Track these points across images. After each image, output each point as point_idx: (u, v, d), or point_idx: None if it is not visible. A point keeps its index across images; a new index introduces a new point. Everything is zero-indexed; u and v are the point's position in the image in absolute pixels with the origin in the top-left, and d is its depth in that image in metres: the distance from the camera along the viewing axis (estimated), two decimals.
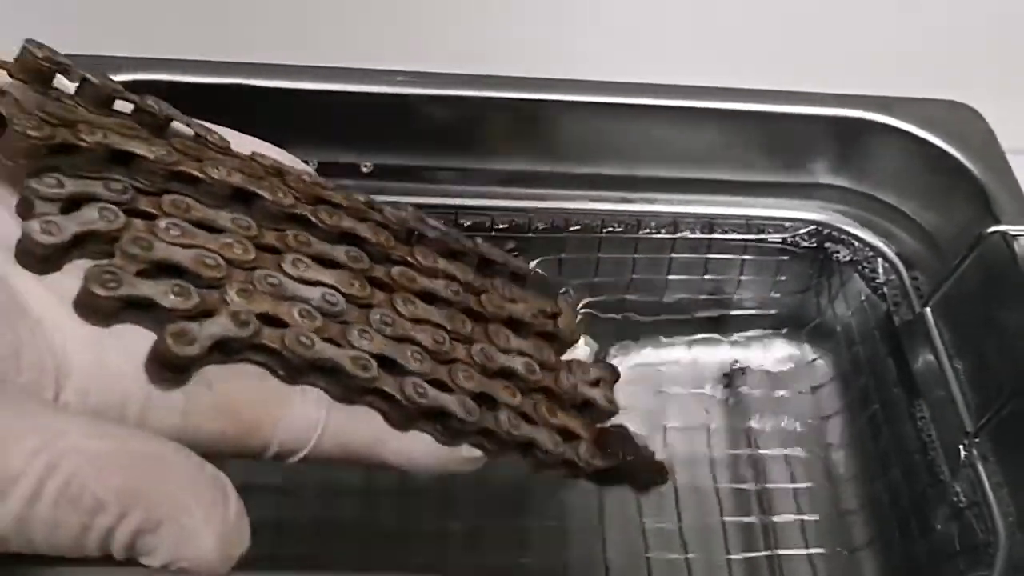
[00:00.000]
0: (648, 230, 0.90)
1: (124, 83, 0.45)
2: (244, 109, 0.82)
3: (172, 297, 0.38)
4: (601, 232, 0.90)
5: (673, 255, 0.90)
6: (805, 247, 0.90)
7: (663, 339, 0.94)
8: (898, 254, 0.87)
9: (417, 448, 0.44)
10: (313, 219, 0.45)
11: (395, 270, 0.47)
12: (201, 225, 0.41)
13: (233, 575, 0.36)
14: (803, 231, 0.90)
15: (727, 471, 0.85)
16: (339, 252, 0.45)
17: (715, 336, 0.94)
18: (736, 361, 0.93)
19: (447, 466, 0.45)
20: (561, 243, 0.90)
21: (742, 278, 0.92)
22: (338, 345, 0.41)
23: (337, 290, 0.43)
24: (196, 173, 0.42)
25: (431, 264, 0.48)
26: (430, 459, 0.45)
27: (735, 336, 0.95)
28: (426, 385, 0.43)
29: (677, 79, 0.85)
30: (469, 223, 0.88)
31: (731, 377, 0.92)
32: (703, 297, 0.93)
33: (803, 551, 0.81)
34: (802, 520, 0.82)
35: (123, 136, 0.41)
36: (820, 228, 0.90)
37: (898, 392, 0.82)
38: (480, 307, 0.49)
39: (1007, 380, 0.74)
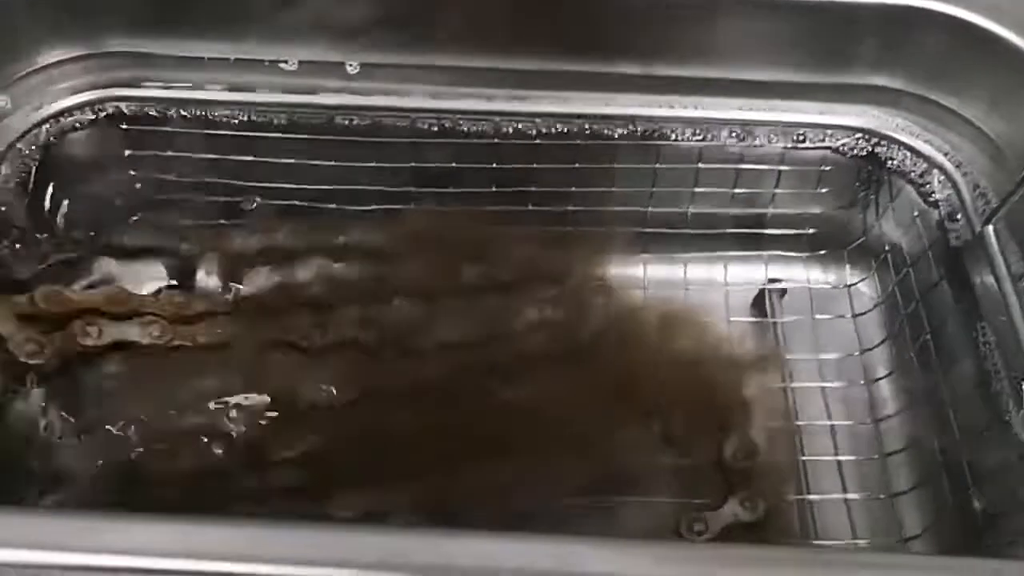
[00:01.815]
0: (671, 137, 0.80)
1: None
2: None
3: None
4: (617, 139, 0.80)
5: (700, 164, 0.80)
6: (850, 156, 0.80)
7: (687, 257, 0.84)
8: (957, 165, 0.76)
9: None
10: None
11: None
12: None
13: None
14: (848, 139, 0.80)
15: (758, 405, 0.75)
16: None
17: (746, 254, 0.84)
18: (771, 282, 0.83)
19: None
20: (573, 151, 0.80)
21: (777, 191, 0.82)
22: None
23: None
24: None
25: None
26: None
27: (769, 254, 0.84)
28: None
29: None
30: (472, 128, 0.79)
31: (764, 300, 0.82)
32: (734, 211, 0.83)
33: (839, 496, 0.71)
34: (839, 461, 0.73)
35: None
36: (867, 135, 0.79)
37: (954, 320, 0.72)
38: None
39: None
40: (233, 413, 0.74)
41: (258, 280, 0.81)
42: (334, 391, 0.74)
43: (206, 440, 0.73)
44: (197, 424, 0.73)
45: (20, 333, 0.71)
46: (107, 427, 0.73)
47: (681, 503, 0.69)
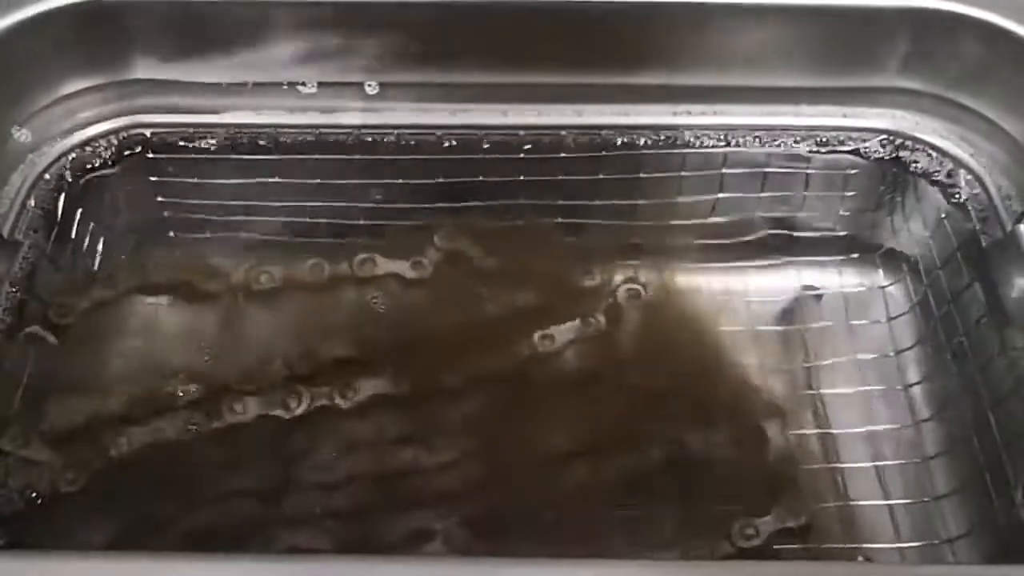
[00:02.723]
0: (696, 144, 0.80)
1: None
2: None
3: None
4: (643, 148, 0.80)
5: (725, 170, 0.80)
6: (875, 159, 0.80)
7: (715, 265, 0.84)
8: (983, 166, 0.76)
9: None
10: None
11: None
12: None
13: None
14: (872, 141, 0.80)
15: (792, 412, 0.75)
16: None
17: (776, 261, 0.84)
18: (804, 288, 0.83)
19: None
20: (598, 163, 0.80)
21: (806, 194, 0.82)
22: None
23: None
24: None
25: None
26: None
27: (799, 260, 0.84)
28: None
29: None
30: (494, 141, 0.79)
31: (796, 306, 0.82)
32: (759, 215, 0.83)
33: (881, 502, 0.71)
34: (876, 467, 0.73)
35: None
36: (892, 137, 0.79)
37: (987, 322, 0.72)
38: None
39: None
40: None
41: None
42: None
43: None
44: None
45: (57, 461, 0.68)
46: None
47: (730, 510, 0.69)
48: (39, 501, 0.67)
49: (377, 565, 0.51)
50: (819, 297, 0.83)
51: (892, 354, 0.80)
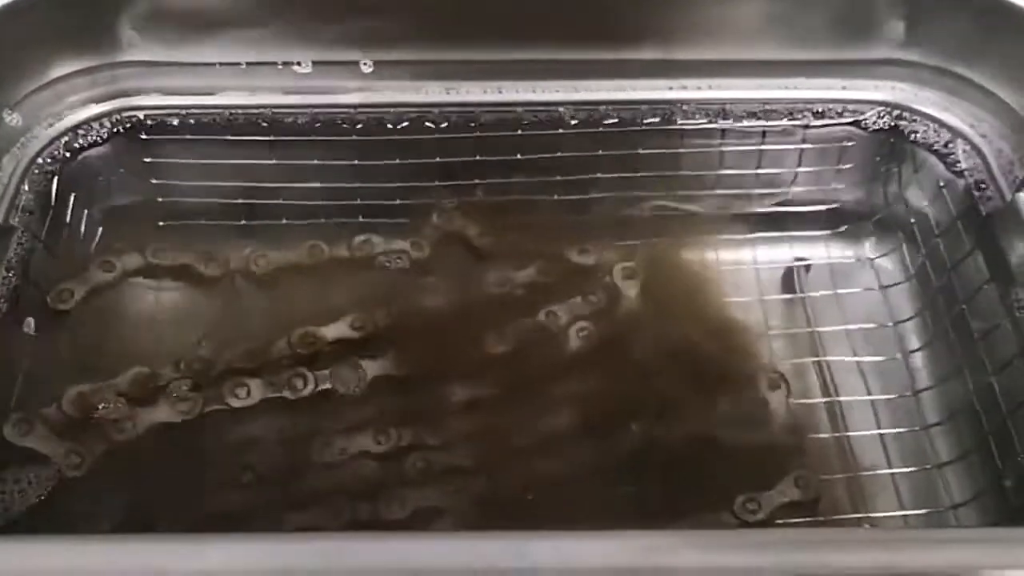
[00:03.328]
0: (693, 119, 0.80)
1: None
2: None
3: None
4: (640, 125, 0.80)
5: (723, 146, 0.80)
6: (872, 131, 0.80)
7: (715, 238, 0.83)
8: (982, 135, 0.77)
9: None
10: None
11: None
12: None
13: None
14: (869, 113, 0.80)
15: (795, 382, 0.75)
16: None
17: (771, 234, 0.84)
18: (796, 260, 0.83)
19: None
20: (595, 139, 0.80)
21: (800, 169, 0.82)
22: None
23: None
24: None
25: None
26: None
27: (794, 233, 0.85)
28: None
29: None
30: (492, 119, 0.79)
31: (792, 278, 0.83)
32: (757, 192, 0.83)
33: (886, 471, 0.71)
34: (881, 435, 0.73)
35: None
36: (889, 109, 0.80)
37: (989, 289, 0.72)
38: None
39: None
40: None
41: None
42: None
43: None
44: None
45: (61, 448, 0.67)
46: None
47: (734, 484, 0.69)
48: (44, 489, 0.66)
49: (388, 542, 0.51)
50: (808, 268, 0.83)
51: (891, 324, 0.80)
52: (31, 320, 0.71)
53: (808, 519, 0.68)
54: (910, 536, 0.58)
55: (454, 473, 0.70)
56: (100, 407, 0.69)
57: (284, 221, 0.82)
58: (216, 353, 0.73)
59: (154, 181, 0.81)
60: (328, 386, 0.72)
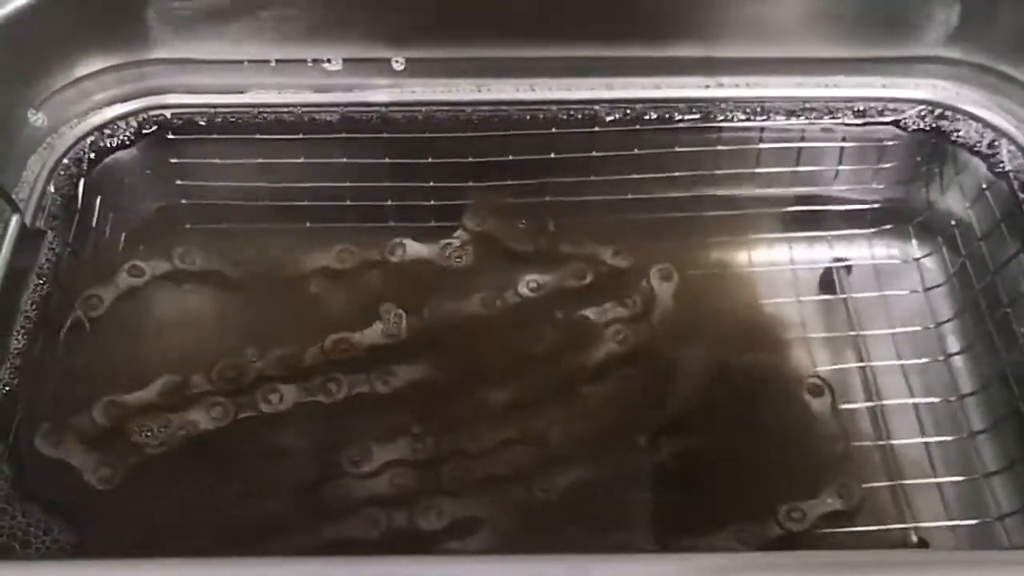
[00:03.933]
0: (731, 117, 0.78)
1: None
2: None
3: None
4: (677, 122, 0.78)
5: (761, 144, 0.79)
6: (914, 130, 0.78)
7: (750, 239, 0.82)
8: None
9: None
10: None
11: None
12: None
13: None
14: (910, 112, 0.78)
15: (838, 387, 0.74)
16: None
17: (811, 234, 0.83)
18: (836, 260, 0.81)
19: None
20: (633, 137, 0.78)
21: (840, 168, 0.80)
22: None
23: None
24: None
25: None
26: None
27: (833, 233, 0.83)
28: None
29: None
30: (529, 117, 0.77)
31: (832, 279, 0.81)
32: (796, 191, 0.81)
33: (931, 480, 0.70)
34: (926, 443, 0.72)
35: None
36: (931, 107, 0.78)
37: None
38: None
39: None
40: None
41: None
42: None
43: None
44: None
45: (91, 458, 0.66)
46: None
47: (777, 492, 0.68)
48: (78, 497, 0.65)
49: (428, 565, 0.50)
50: (849, 269, 0.81)
51: (932, 326, 0.78)
52: (62, 327, 0.70)
53: (853, 528, 0.67)
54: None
55: (492, 482, 0.68)
56: (131, 419, 0.68)
57: (309, 225, 0.80)
58: (248, 360, 0.72)
59: (180, 182, 0.80)
60: (364, 389, 0.71)
